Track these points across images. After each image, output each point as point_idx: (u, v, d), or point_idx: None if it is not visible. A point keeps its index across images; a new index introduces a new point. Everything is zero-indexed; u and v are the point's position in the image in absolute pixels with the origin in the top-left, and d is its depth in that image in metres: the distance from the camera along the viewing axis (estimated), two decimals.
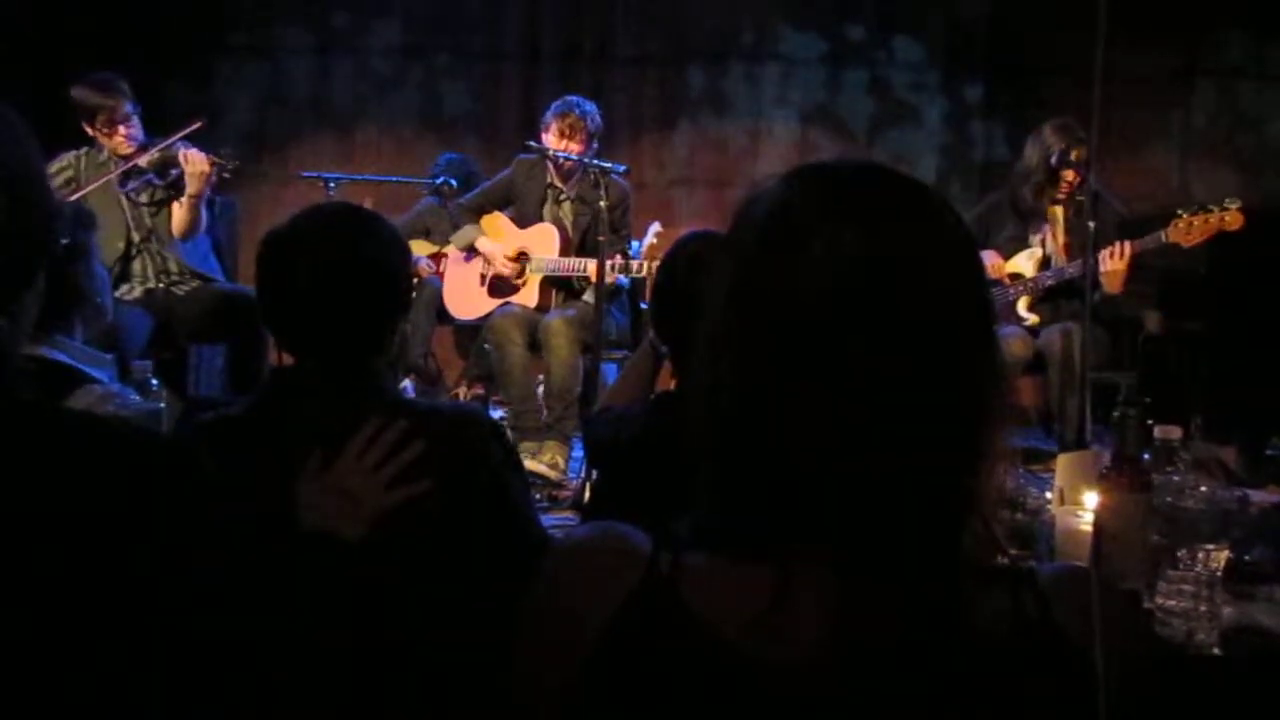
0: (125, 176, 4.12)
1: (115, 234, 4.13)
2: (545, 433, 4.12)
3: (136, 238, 4.21)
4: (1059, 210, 4.37)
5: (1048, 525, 2.19)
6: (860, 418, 0.82)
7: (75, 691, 1.02)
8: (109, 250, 4.07)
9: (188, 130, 4.17)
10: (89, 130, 4.14)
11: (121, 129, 4.12)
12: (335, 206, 1.88)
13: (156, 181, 4.19)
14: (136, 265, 4.22)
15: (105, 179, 4.11)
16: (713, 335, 0.88)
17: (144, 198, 4.20)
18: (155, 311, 4.16)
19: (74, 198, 3.96)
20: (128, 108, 4.13)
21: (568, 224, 4.45)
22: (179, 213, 4.21)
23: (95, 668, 1.02)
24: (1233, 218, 3.94)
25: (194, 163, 4.07)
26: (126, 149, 4.15)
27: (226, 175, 4.20)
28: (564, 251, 4.36)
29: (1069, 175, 4.24)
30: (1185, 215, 4.00)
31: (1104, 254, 4.02)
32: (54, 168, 4.14)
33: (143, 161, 4.12)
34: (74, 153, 4.19)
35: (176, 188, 4.19)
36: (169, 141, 4.15)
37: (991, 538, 0.88)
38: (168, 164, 4.17)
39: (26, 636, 1.01)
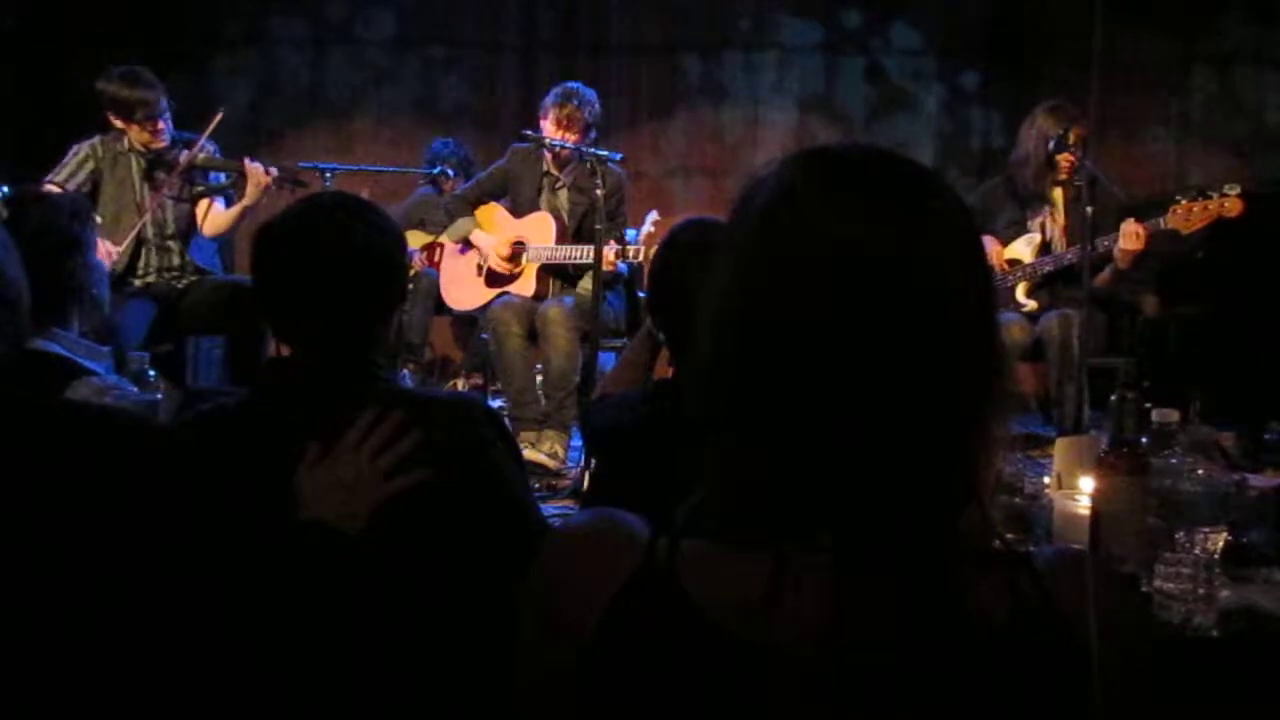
0: (178, 174, 4.11)
1: (127, 226, 4.13)
2: (544, 422, 4.13)
3: (151, 232, 4.20)
4: (1059, 193, 4.36)
5: (1046, 510, 2.20)
6: (859, 403, 0.82)
7: (74, 679, 1.02)
8: (119, 241, 4.08)
9: (214, 124, 4.17)
10: (120, 124, 4.12)
11: (160, 123, 4.12)
12: (332, 196, 1.87)
13: (196, 179, 4.19)
14: (141, 260, 4.21)
15: (169, 179, 4.10)
16: (713, 321, 0.88)
17: (171, 191, 4.20)
18: (154, 303, 4.15)
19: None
20: (164, 101, 4.13)
21: (564, 212, 4.45)
22: (223, 218, 4.25)
23: (94, 656, 1.02)
24: (1232, 204, 3.92)
25: (255, 175, 4.08)
26: (159, 143, 4.15)
27: (288, 188, 4.21)
28: (560, 239, 4.36)
29: (1068, 158, 4.23)
30: (1184, 201, 3.97)
31: (1123, 231, 4.01)
32: (73, 163, 4.12)
33: (187, 159, 4.12)
34: (89, 142, 4.16)
35: (214, 191, 4.23)
36: (202, 138, 4.15)
37: (989, 523, 0.88)
38: (217, 168, 4.20)
39: (25, 626, 1.01)
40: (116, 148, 4.17)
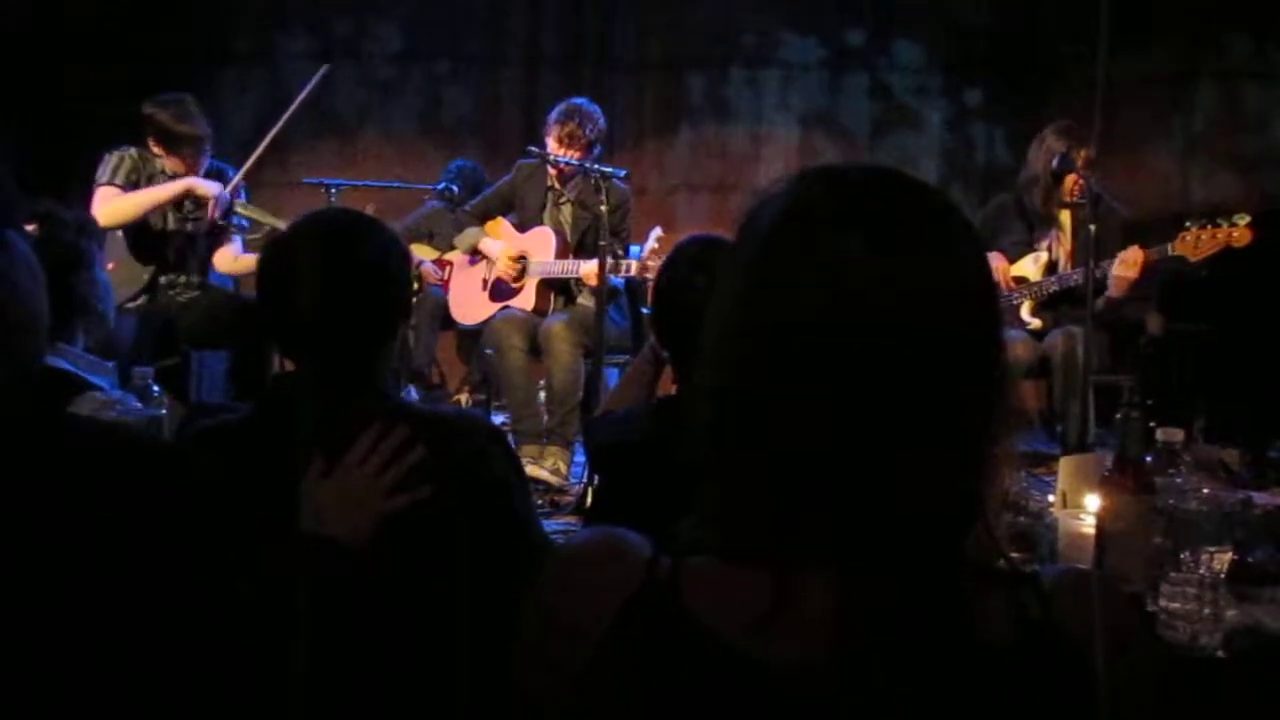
0: (221, 214, 4.14)
1: (149, 249, 4.15)
2: (547, 437, 4.13)
3: (171, 256, 4.21)
4: (1067, 215, 4.36)
5: (1050, 528, 2.20)
6: (864, 422, 0.82)
7: (76, 696, 1.02)
8: (138, 267, 4.09)
9: (316, 79, 4.21)
10: (159, 150, 4.12)
11: (202, 161, 4.15)
12: (336, 212, 1.89)
13: (225, 220, 4.22)
14: (156, 280, 4.23)
15: (206, 210, 4.13)
16: (718, 339, 0.88)
17: (193, 227, 4.22)
18: (158, 318, 4.16)
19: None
20: (209, 139, 4.15)
21: (566, 227, 4.46)
22: (242, 263, 4.30)
23: (97, 672, 1.02)
24: (1241, 234, 3.88)
25: None
26: (194, 176, 4.18)
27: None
28: (561, 254, 4.37)
29: (1074, 179, 4.23)
30: (1193, 229, 3.94)
31: (1120, 257, 3.99)
32: (124, 169, 4.10)
33: (235, 206, 4.16)
34: (128, 150, 4.14)
35: (236, 230, 4.29)
36: (238, 175, 4.19)
37: (994, 541, 0.88)
38: (253, 218, 4.24)
39: (28, 640, 1.01)
40: (151, 168, 4.17)
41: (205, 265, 4.34)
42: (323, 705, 1.49)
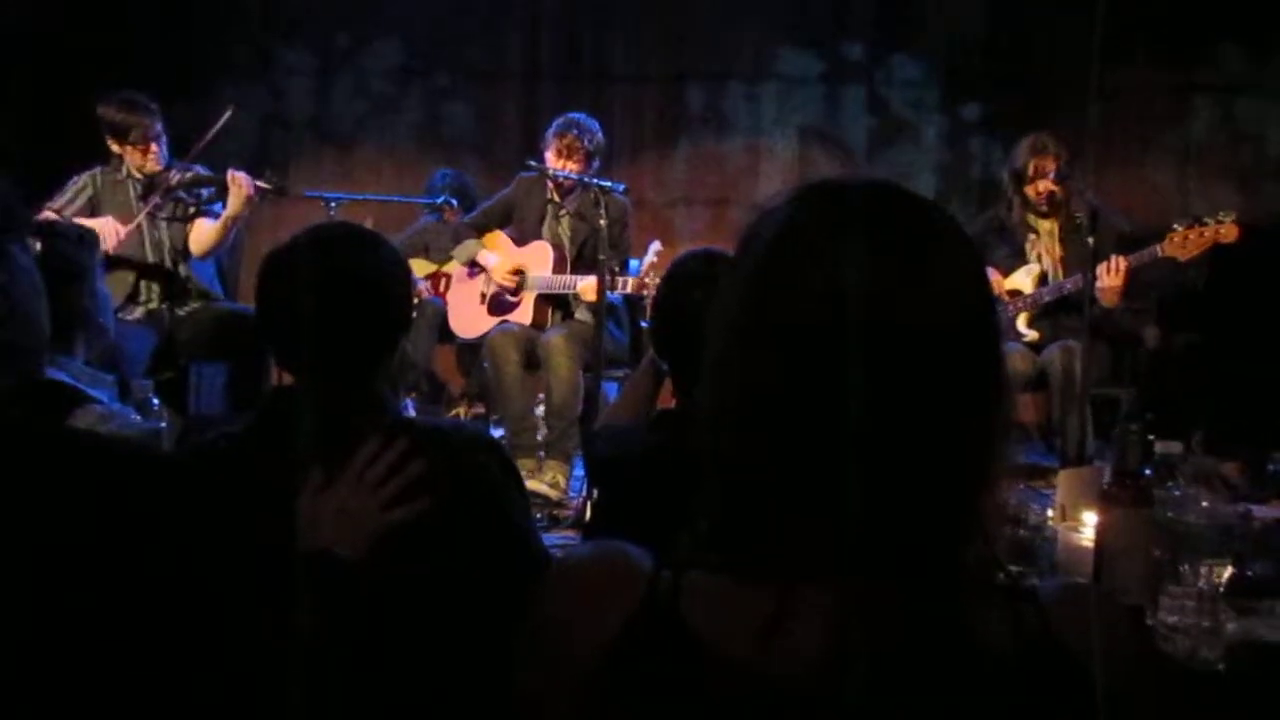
0: (161, 193, 4.16)
1: (127, 251, 4.17)
2: (545, 451, 4.12)
3: (151, 258, 4.23)
4: (1049, 224, 4.38)
5: (1049, 541, 2.19)
6: (864, 437, 0.82)
7: (76, 707, 1.02)
8: (121, 269, 4.10)
9: (221, 122, 4.22)
10: (116, 147, 4.20)
11: (154, 147, 4.19)
12: (336, 226, 1.89)
13: (187, 199, 4.23)
14: (144, 284, 4.23)
15: (154, 199, 4.16)
16: (719, 354, 0.89)
17: (165, 212, 4.23)
18: (156, 331, 4.17)
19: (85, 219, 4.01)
20: (158, 126, 4.21)
21: (565, 240, 4.46)
22: (209, 232, 4.25)
23: (95, 685, 1.02)
24: (1228, 230, 3.94)
25: (240, 184, 4.11)
26: (154, 167, 4.22)
27: (269, 198, 4.25)
28: (559, 268, 4.37)
29: (1034, 188, 4.28)
30: (1181, 229, 3.99)
31: (1100, 269, 4.01)
32: (72, 190, 4.19)
33: (173, 179, 4.18)
34: (89, 172, 4.23)
35: (203, 208, 4.27)
36: (204, 141, 4.21)
37: (993, 555, 0.88)
38: (201, 183, 4.23)
39: (27, 652, 1.01)
40: (115, 176, 4.23)
41: (185, 265, 4.34)
42: (321, 717, 1.48)
